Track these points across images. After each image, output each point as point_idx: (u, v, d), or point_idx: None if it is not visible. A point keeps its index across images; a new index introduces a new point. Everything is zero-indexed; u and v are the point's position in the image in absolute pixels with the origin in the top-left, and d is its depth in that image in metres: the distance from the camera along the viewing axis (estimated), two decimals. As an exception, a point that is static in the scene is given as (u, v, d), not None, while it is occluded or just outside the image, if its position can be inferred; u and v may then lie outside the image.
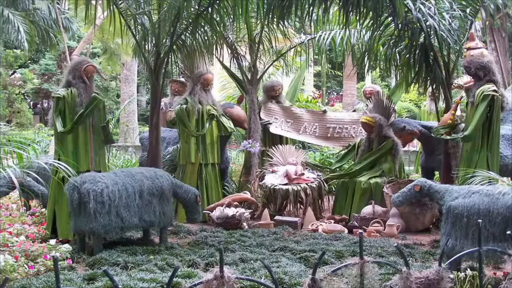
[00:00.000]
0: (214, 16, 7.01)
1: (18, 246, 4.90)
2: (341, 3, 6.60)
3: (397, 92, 9.86)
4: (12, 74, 24.95)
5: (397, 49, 7.30)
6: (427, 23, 6.50)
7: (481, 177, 5.11)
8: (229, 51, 8.66)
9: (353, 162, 7.81)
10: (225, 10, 7.03)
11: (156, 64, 7.11)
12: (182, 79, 9.23)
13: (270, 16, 6.73)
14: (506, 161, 6.75)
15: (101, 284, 4.27)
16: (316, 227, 6.91)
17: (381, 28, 6.99)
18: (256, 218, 7.52)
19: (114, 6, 6.76)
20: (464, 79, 8.14)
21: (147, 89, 25.58)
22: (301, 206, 7.53)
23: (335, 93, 28.95)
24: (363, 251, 3.40)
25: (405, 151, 10.44)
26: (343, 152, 8.22)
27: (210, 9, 6.93)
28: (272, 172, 7.72)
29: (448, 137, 6.60)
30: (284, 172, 7.57)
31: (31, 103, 27.77)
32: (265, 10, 6.79)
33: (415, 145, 12.55)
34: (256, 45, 8.45)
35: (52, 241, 5.25)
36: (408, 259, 3.70)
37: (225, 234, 6.46)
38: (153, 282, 4.26)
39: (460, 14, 6.71)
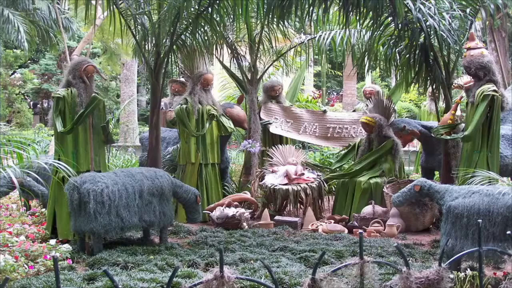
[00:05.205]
0: (214, 16, 7.01)
1: (18, 246, 4.90)
2: (341, 3, 6.59)
3: (397, 92, 9.86)
4: (12, 74, 24.95)
5: (397, 49, 7.30)
6: (427, 23, 6.50)
7: (481, 177, 5.11)
8: (229, 51, 8.66)
9: (353, 162, 7.80)
10: (225, 10, 7.03)
11: (156, 64, 7.12)
12: (182, 79, 9.23)
13: (270, 16, 6.72)
14: (506, 161, 6.75)
15: (101, 284, 4.27)
16: (316, 227, 6.91)
17: (381, 28, 6.99)
18: (256, 218, 7.52)
19: (114, 6, 6.76)
20: (464, 79, 8.14)
21: (147, 89, 25.59)
22: (301, 206, 7.53)
23: (335, 93, 28.95)
24: (363, 251, 3.40)
25: (405, 151, 10.45)
26: (343, 152, 8.21)
27: (210, 9, 6.93)
28: (272, 172, 7.72)
29: (448, 137, 6.60)
30: (284, 172, 7.57)
31: (31, 103, 27.77)
32: (265, 10, 6.77)
33: (415, 145, 12.55)
34: (256, 45, 8.46)
35: (52, 241, 5.25)
36: (408, 259, 3.70)
37: (225, 234, 6.46)
38: (153, 282, 4.26)
39: (460, 14, 6.71)
